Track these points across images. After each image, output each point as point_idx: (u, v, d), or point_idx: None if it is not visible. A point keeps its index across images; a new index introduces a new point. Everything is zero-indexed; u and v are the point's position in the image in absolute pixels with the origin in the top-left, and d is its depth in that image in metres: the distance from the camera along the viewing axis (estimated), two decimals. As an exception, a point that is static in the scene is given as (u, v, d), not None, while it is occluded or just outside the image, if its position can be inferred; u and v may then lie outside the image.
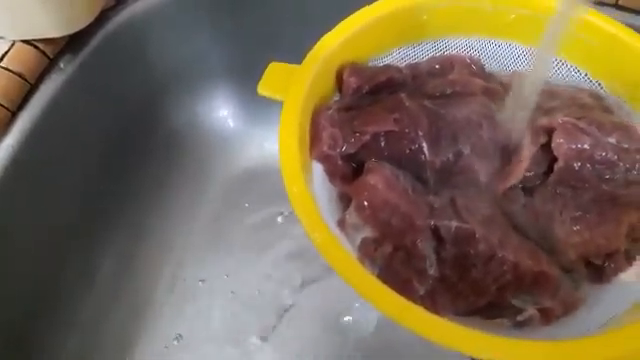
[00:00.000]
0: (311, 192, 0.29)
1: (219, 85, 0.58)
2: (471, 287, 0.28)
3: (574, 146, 0.30)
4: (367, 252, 0.28)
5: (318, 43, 0.34)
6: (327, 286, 0.51)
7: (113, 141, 0.51)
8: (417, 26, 0.37)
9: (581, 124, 0.31)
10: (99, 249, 0.51)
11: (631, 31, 0.34)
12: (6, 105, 0.40)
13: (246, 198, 0.57)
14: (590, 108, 0.33)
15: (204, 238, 0.55)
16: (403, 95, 0.33)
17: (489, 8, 0.36)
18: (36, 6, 0.39)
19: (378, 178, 0.29)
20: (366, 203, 0.29)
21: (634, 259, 0.30)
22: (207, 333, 0.50)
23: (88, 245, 0.50)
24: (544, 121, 0.31)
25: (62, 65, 0.44)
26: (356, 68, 0.34)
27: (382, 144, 0.31)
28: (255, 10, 0.52)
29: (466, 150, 0.32)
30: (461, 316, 0.28)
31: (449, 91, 0.34)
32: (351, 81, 0.34)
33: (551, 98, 0.34)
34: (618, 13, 0.42)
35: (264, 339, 0.49)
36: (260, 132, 0.60)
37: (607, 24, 0.34)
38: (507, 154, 0.32)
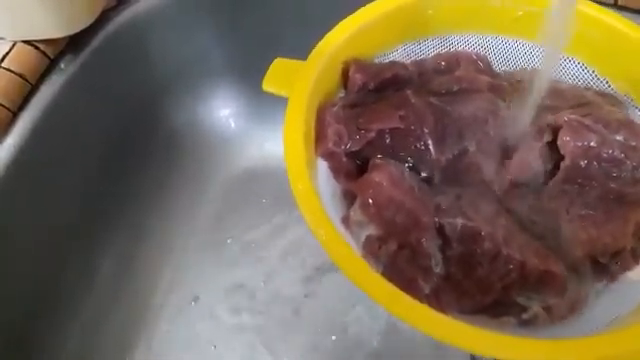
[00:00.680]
0: (316, 189, 0.29)
1: (220, 85, 0.58)
2: (477, 285, 0.28)
3: (580, 144, 0.30)
4: (371, 250, 0.28)
5: (323, 39, 0.34)
6: (329, 284, 0.51)
7: (114, 141, 0.52)
8: (423, 22, 0.37)
9: (587, 121, 0.30)
10: (99, 250, 0.51)
11: (639, 28, 0.34)
12: (7, 105, 0.40)
13: (247, 198, 0.57)
14: (596, 106, 0.33)
15: (204, 239, 0.55)
16: (409, 92, 0.32)
17: (496, 4, 0.36)
18: (37, 7, 0.39)
19: (383, 175, 0.29)
20: (371, 200, 0.29)
21: (641, 258, 0.29)
22: (207, 334, 0.50)
23: (88, 245, 0.50)
24: (550, 119, 0.31)
25: (63, 66, 0.45)
26: (362, 65, 0.34)
27: (387, 141, 0.31)
28: (256, 10, 0.52)
29: (472, 147, 0.32)
30: (466, 314, 0.28)
31: (455, 88, 0.34)
32: (357, 78, 0.34)
33: (557, 96, 0.34)
34: (618, 13, 0.41)
35: (265, 340, 0.49)
36: (261, 132, 0.59)
37: (615, 21, 0.34)
38: (513, 151, 0.32)
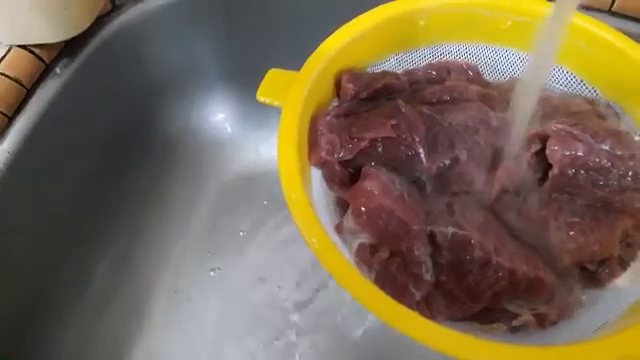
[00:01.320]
0: (309, 198, 0.29)
1: (215, 90, 0.58)
2: (467, 293, 0.29)
3: (568, 153, 0.31)
4: (364, 257, 0.29)
5: (317, 50, 0.34)
6: (325, 287, 0.52)
7: (109, 146, 0.52)
8: (414, 32, 0.37)
9: (575, 131, 0.31)
10: (96, 252, 0.51)
11: (627, 38, 0.34)
12: (2, 110, 0.40)
13: (242, 202, 0.57)
14: (584, 115, 0.33)
15: (200, 242, 0.55)
16: (400, 101, 0.33)
17: (486, 14, 0.37)
18: (32, 11, 0.39)
19: (374, 184, 0.30)
20: (363, 209, 0.29)
21: (628, 265, 0.30)
22: (203, 335, 0.50)
23: (85, 248, 0.50)
24: (538, 128, 0.32)
25: (58, 70, 0.45)
26: (354, 74, 0.35)
27: (379, 150, 0.32)
28: (252, 16, 0.52)
29: (463, 156, 0.32)
30: (457, 321, 0.29)
31: (446, 97, 0.35)
32: (349, 87, 0.34)
33: (546, 104, 0.35)
34: (611, 19, 0.42)
35: (263, 341, 0.50)
36: (257, 137, 0.60)
37: (603, 31, 0.35)
38: (503, 160, 0.33)
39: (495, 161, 0.33)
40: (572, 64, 0.36)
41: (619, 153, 0.30)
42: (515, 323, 0.28)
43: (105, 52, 0.48)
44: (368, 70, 0.37)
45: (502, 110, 0.34)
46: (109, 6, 0.48)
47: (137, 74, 0.52)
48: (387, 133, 0.32)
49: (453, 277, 0.29)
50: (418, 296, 0.28)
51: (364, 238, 0.29)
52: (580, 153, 0.30)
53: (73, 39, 0.44)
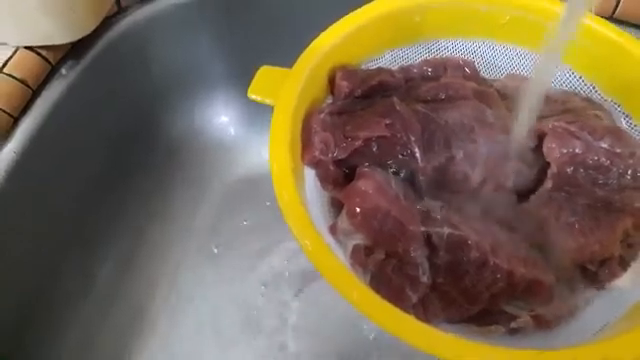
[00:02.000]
0: (302, 198, 0.28)
1: (219, 92, 0.59)
2: (464, 294, 0.28)
3: (565, 150, 0.30)
4: (359, 259, 0.28)
5: (310, 45, 0.33)
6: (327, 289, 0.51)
7: (113, 147, 0.52)
8: (410, 28, 0.36)
9: (572, 128, 0.30)
10: (99, 253, 0.51)
11: (628, 36, 0.34)
12: (8, 111, 0.40)
13: (245, 204, 0.57)
14: (583, 112, 0.33)
15: (203, 243, 0.55)
16: (395, 99, 0.32)
17: (483, 10, 0.36)
18: (39, 13, 0.39)
19: (369, 184, 0.29)
20: (357, 209, 0.29)
21: (628, 265, 0.29)
22: (205, 337, 0.50)
23: (88, 249, 0.50)
24: (535, 126, 0.31)
25: (64, 71, 0.45)
26: (348, 71, 0.34)
27: (374, 149, 0.31)
28: (255, 18, 0.52)
29: (459, 155, 0.31)
30: (454, 324, 0.28)
31: (442, 95, 0.34)
32: (343, 85, 0.33)
33: (545, 101, 0.34)
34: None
35: (264, 343, 0.49)
36: (260, 139, 0.60)
37: (604, 28, 0.34)
38: (500, 159, 0.32)
39: (492, 160, 0.32)
40: (571, 61, 0.36)
41: (618, 151, 0.30)
42: (513, 325, 0.28)
43: (111, 54, 0.48)
44: (363, 66, 0.36)
45: (498, 108, 0.34)
46: (115, 8, 0.49)
47: (142, 76, 0.53)
48: (382, 132, 0.31)
49: (450, 279, 0.28)
50: (414, 298, 0.27)
51: (359, 239, 0.29)
52: (578, 150, 0.30)
53: (79, 41, 0.45)
